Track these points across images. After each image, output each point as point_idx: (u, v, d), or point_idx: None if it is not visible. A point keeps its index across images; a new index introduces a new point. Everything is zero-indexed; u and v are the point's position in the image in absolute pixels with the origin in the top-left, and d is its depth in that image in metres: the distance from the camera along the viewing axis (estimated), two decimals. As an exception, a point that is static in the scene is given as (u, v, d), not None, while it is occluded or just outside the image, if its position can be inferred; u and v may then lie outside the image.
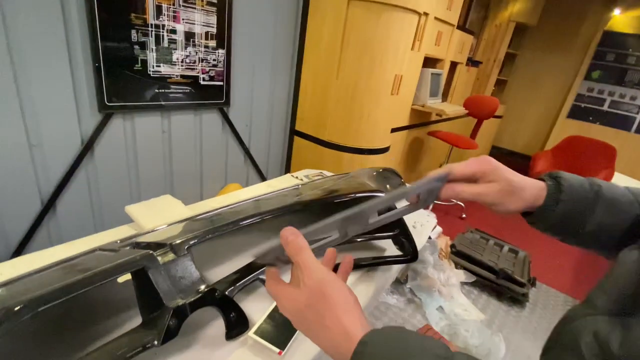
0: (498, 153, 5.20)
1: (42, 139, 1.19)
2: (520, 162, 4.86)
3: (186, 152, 1.67)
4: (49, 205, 1.27)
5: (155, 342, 0.51)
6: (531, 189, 0.47)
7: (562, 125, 4.65)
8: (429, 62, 2.72)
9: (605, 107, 4.36)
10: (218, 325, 0.65)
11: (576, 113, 4.57)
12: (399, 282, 1.93)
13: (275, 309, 0.67)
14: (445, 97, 3.23)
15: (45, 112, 1.18)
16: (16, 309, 0.43)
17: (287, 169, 2.31)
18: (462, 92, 3.58)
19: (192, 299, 0.56)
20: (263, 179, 2.15)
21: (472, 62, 3.63)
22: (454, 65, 3.19)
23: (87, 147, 1.30)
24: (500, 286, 2.00)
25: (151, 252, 0.59)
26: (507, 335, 1.73)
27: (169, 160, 1.60)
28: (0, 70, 1.06)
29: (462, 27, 3.00)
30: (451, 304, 1.85)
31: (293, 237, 0.35)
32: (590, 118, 4.48)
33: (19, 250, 1.26)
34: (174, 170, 1.64)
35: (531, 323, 1.89)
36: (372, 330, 0.32)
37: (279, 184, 1.31)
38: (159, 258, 0.59)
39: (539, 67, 4.86)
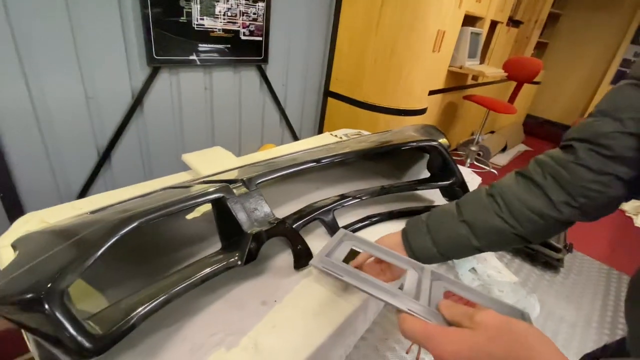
0: (533, 122, 4.97)
1: (97, 91, 1.24)
2: (555, 132, 4.65)
3: (226, 110, 1.69)
4: (105, 156, 1.35)
5: (239, 262, 0.55)
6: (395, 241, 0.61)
7: (604, 92, 4.33)
8: (468, 20, 2.57)
9: (654, 73, 4.04)
10: (282, 259, 0.69)
11: (620, 79, 4.22)
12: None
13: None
14: (482, 59, 3.08)
15: (99, 65, 1.22)
16: (126, 218, 0.46)
17: (320, 131, 2.31)
18: (500, 55, 3.39)
19: (267, 228, 0.59)
20: (296, 139, 2.16)
21: (512, 22, 3.40)
22: (493, 24, 3.00)
23: (138, 100, 1.34)
24: (534, 251, 1.98)
25: (227, 185, 0.62)
26: (540, 297, 1.74)
27: (211, 116, 1.64)
28: (59, 24, 1.10)
29: (506, -19, 2.79)
30: (484, 266, 1.86)
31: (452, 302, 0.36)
32: (637, 84, 4.17)
33: (79, 198, 1.35)
34: (215, 126, 1.68)
35: (565, 287, 1.88)
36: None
37: (319, 142, 1.31)
38: (235, 191, 0.62)
39: (583, 29, 4.50)
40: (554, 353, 0.28)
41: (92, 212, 0.64)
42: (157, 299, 0.45)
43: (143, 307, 0.44)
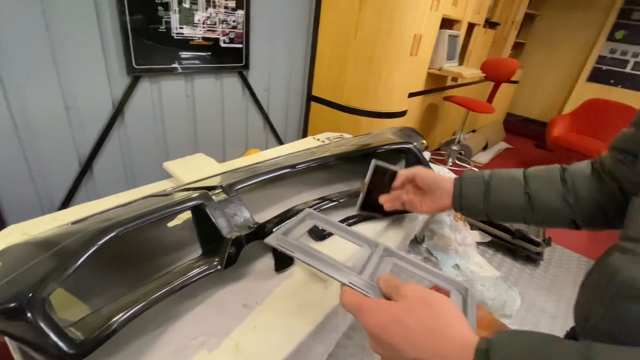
0: (513, 120, 5.10)
1: (77, 101, 1.24)
2: (535, 129, 4.78)
3: (209, 117, 1.71)
4: (87, 167, 1.34)
5: (219, 267, 0.57)
6: (445, 184, 0.63)
7: (581, 89, 4.51)
8: (446, 23, 2.64)
9: (628, 69, 4.18)
10: (264, 262, 0.71)
11: (597, 76, 4.40)
12: (416, 242, 1.99)
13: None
14: (461, 60, 3.16)
15: (78, 75, 1.22)
16: (106, 227, 0.48)
17: (304, 135, 2.34)
18: (478, 56, 3.48)
19: (247, 232, 0.61)
20: (281, 144, 2.18)
21: (489, 23, 3.51)
22: (471, 27, 3.09)
23: (119, 110, 1.34)
24: (515, 246, 2.05)
25: (206, 191, 0.64)
26: (521, 290, 1.80)
27: (194, 124, 1.65)
28: (37, 36, 1.10)
29: (481, -15, 2.87)
30: (467, 262, 1.92)
31: (390, 276, 0.38)
32: (612, 81, 4.31)
33: (61, 209, 1.34)
34: (199, 133, 1.69)
35: (545, 280, 1.95)
36: (499, 333, 0.30)
37: (302, 146, 1.34)
38: (214, 197, 0.64)
39: (558, 28, 4.65)
40: (461, 325, 0.31)
41: (74, 223, 0.65)
42: (136, 305, 0.47)
43: (123, 313, 0.45)
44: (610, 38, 4.23)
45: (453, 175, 1.28)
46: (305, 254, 0.44)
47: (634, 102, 3.39)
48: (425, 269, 0.44)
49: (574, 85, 4.57)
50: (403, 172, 0.63)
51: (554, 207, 0.55)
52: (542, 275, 1.98)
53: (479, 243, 2.11)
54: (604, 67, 4.34)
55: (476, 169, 3.16)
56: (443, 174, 1.28)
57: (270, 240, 0.46)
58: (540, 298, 1.79)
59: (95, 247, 0.47)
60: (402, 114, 2.12)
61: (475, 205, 0.60)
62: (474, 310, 0.38)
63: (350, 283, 0.38)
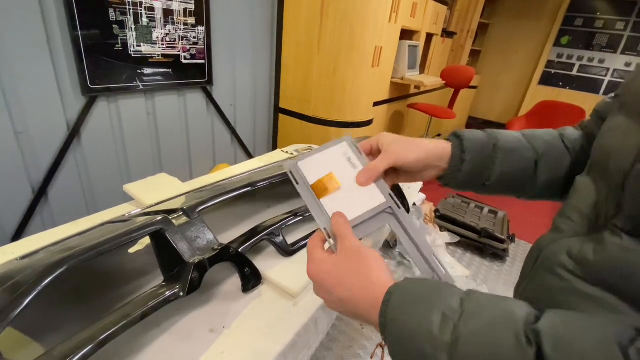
0: (474, 123, 5.35)
1: (28, 125, 1.17)
2: (496, 131, 5.02)
3: (173, 134, 1.66)
4: (41, 193, 1.27)
5: (181, 294, 0.55)
6: (437, 161, 0.48)
7: (534, 92, 4.81)
8: (406, 34, 2.75)
9: (574, 72, 4.52)
10: (232, 283, 0.70)
11: (547, 79, 4.72)
12: (388, 247, 2.02)
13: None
14: (422, 69, 3.28)
15: (28, 98, 1.16)
16: (54, 262, 0.46)
17: (274, 147, 2.33)
18: (438, 64, 3.64)
19: (210, 255, 0.60)
20: (251, 158, 2.17)
21: (446, 33, 3.68)
22: (429, 37, 3.23)
23: (74, 132, 1.28)
24: (482, 244, 2.13)
25: (166, 215, 0.62)
26: (491, 287, 1.87)
27: (156, 142, 1.60)
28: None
29: (435, -3, 3.01)
30: (438, 263, 1.97)
31: (341, 219, 0.41)
32: (561, 83, 4.63)
33: (15, 239, 1.26)
34: (162, 152, 1.64)
35: (512, 275, 2.04)
36: (407, 279, 0.35)
37: (270, 160, 1.34)
38: (174, 221, 0.62)
39: (511, 36, 4.96)
40: (383, 272, 0.36)
41: (22, 258, 0.61)
42: (92, 342, 0.44)
43: (78, 351, 0.43)
44: (557, 44, 4.55)
45: (418, 182, 1.32)
46: (305, 190, 0.45)
47: (582, 103, 3.65)
48: (416, 245, 0.43)
49: (528, 88, 4.87)
50: (380, 164, 0.45)
51: (559, 178, 0.48)
52: (509, 270, 2.07)
53: (448, 244, 2.17)
54: (553, 71, 4.65)
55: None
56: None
57: (287, 164, 0.48)
58: (509, 293, 1.84)
59: (45, 284, 0.45)
60: (369, 122, 2.17)
61: (475, 179, 0.48)
62: None
63: (324, 229, 0.42)
